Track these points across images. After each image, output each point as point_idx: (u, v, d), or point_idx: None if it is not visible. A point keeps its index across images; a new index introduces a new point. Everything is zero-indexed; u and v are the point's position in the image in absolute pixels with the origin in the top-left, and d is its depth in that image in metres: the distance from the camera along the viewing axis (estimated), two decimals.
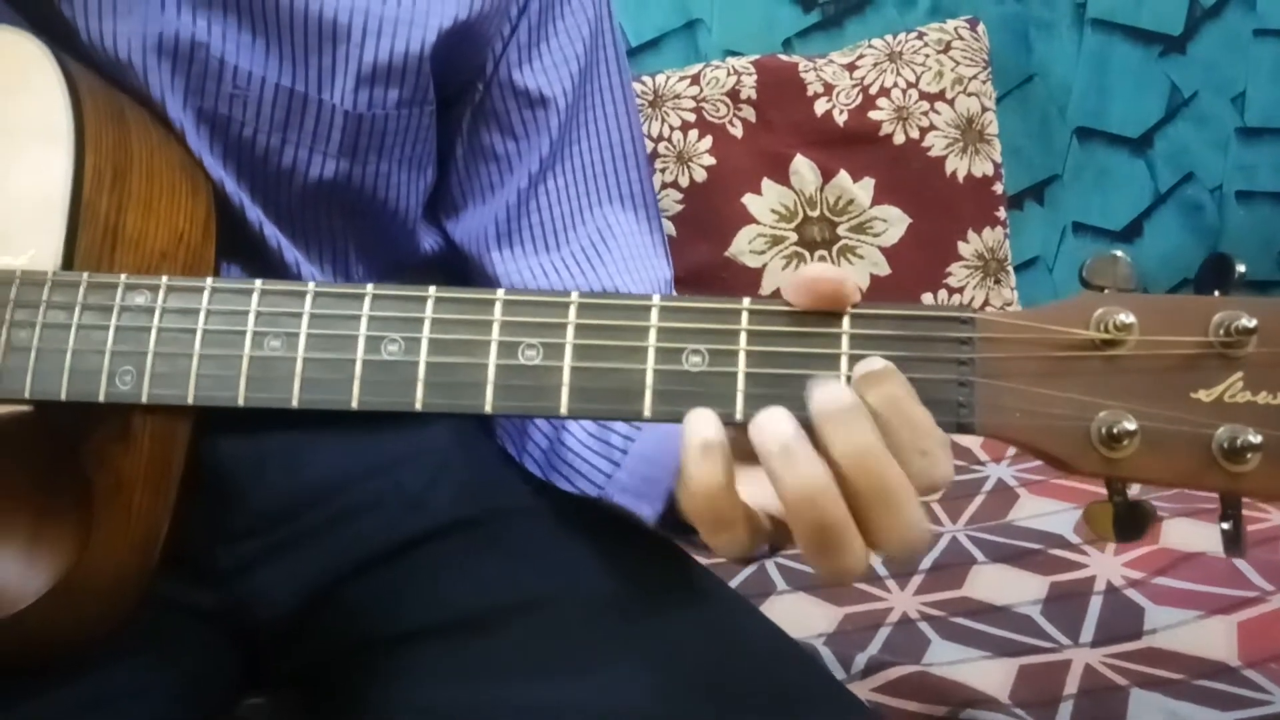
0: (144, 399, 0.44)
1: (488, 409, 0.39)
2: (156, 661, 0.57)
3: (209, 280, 0.44)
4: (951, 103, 1.26)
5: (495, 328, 0.40)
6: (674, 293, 0.71)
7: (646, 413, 0.38)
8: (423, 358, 0.40)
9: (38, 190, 0.48)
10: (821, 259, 1.22)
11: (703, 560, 0.61)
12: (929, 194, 1.25)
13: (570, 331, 0.39)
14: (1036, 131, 1.47)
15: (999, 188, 1.33)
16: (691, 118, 1.20)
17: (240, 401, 0.43)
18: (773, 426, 0.35)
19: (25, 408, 0.46)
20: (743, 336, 0.38)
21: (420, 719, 0.54)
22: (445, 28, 0.59)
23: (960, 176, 1.28)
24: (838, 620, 0.79)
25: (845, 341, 0.37)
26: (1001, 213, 1.33)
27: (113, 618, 0.53)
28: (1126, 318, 0.36)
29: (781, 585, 0.84)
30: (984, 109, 1.28)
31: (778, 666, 0.54)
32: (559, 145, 0.65)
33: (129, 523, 0.52)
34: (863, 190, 1.22)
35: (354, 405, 0.41)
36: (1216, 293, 0.36)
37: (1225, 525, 0.36)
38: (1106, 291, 0.37)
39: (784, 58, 1.26)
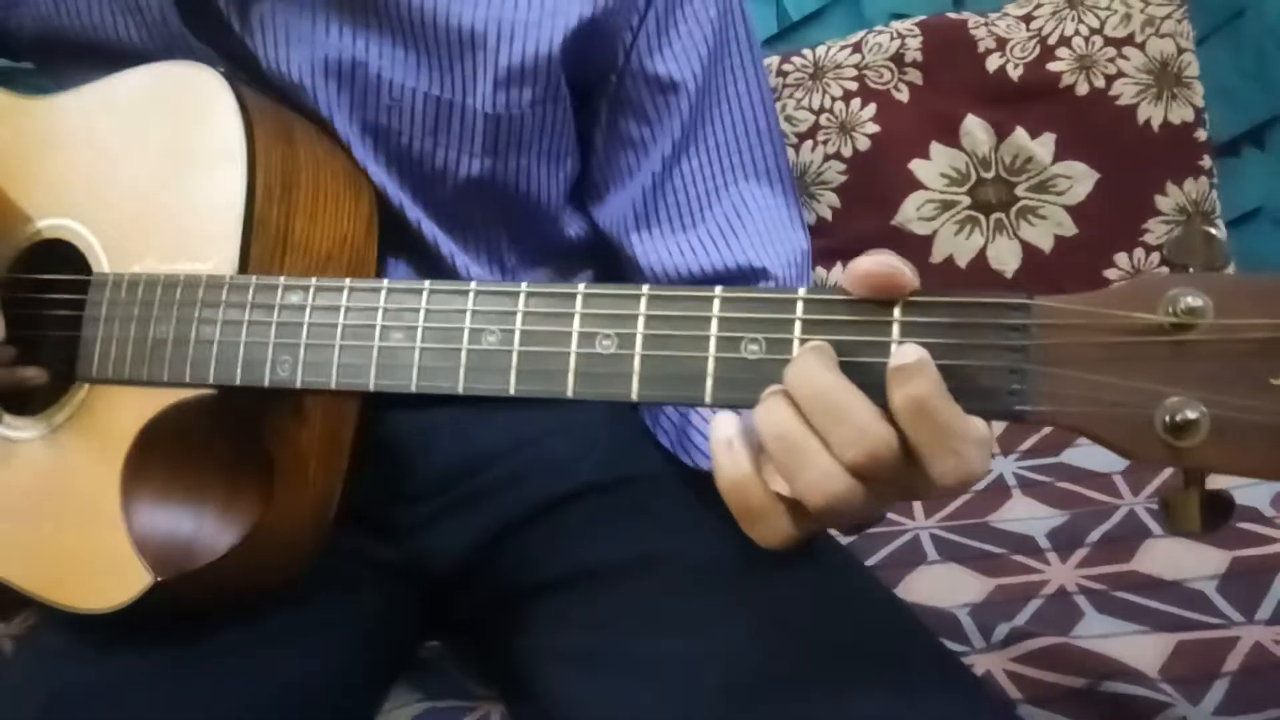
0: (299, 384, 0.49)
1: (569, 394, 0.41)
2: (346, 604, 0.63)
3: (347, 281, 0.48)
4: (1142, 46, 1.14)
5: (576, 320, 0.42)
6: (810, 263, 0.70)
7: (707, 398, 0.39)
8: (515, 347, 0.43)
9: (218, 205, 0.54)
10: (998, 222, 1.15)
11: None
12: (1119, 146, 1.14)
13: (640, 323, 0.40)
14: (1252, 70, 1.31)
15: (1202, 134, 1.19)
16: (854, 86, 1.15)
17: (371, 386, 0.47)
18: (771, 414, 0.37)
19: (211, 391, 0.52)
20: (797, 325, 0.38)
21: (553, 664, 0.58)
22: (572, 27, 0.61)
23: (1155, 125, 1.16)
24: (988, 591, 0.75)
25: (896, 330, 0.36)
26: (1206, 161, 1.20)
27: (295, 566, 0.60)
28: (1196, 300, 0.32)
29: (933, 555, 0.81)
30: (1180, 50, 1.16)
31: (883, 631, 0.53)
32: (690, 127, 0.65)
33: (306, 488, 0.58)
34: (1042, 147, 1.13)
35: (460, 390, 0.44)
36: None
37: None
38: (1191, 271, 0.34)
39: (953, 15, 1.18)
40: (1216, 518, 0.34)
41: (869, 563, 0.81)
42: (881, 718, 0.47)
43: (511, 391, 0.43)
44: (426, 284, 0.46)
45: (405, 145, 0.63)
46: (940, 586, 0.76)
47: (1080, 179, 1.14)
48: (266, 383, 0.50)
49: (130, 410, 0.54)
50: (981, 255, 1.16)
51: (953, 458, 0.35)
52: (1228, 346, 0.32)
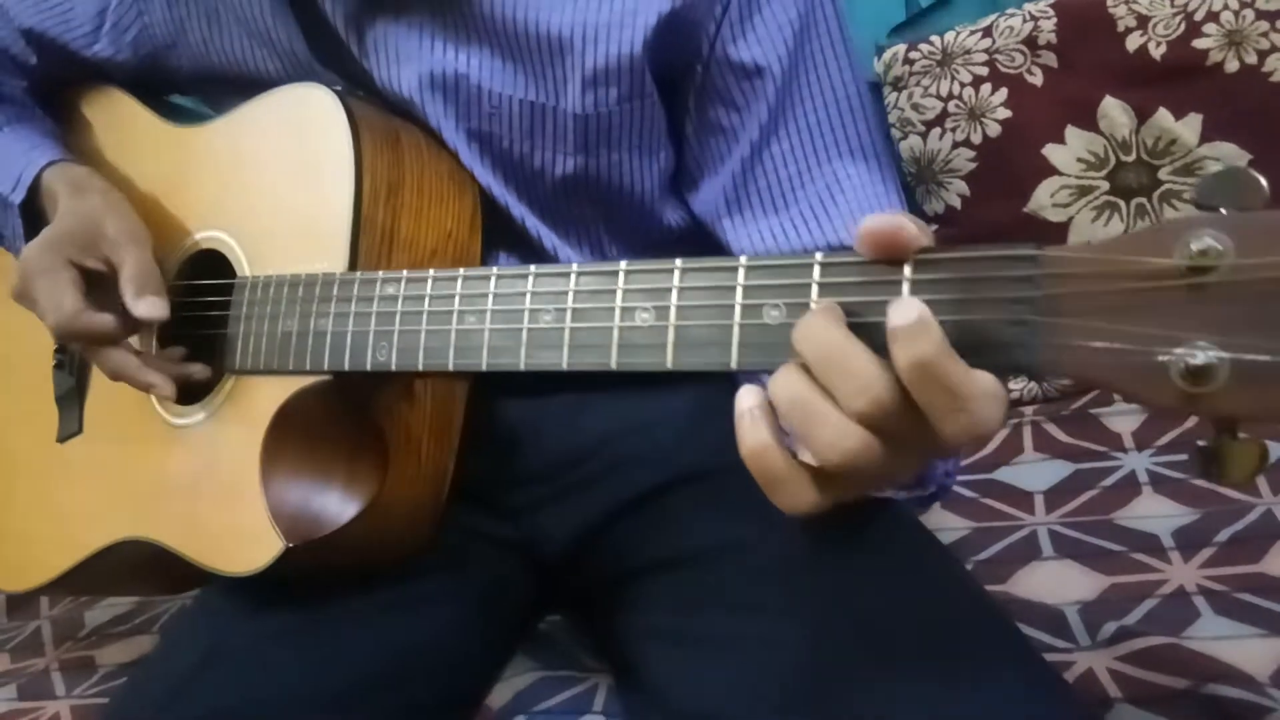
0: (393, 366, 0.53)
1: (613, 365, 0.42)
2: (466, 577, 0.66)
3: (431, 271, 0.51)
4: None
5: (618, 295, 0.43)
6: None
7: (734, 364, 0.39)
8: (567, 324, 0.44)
9: (331, 210, 0.59)
10: (1140, 207, 1.07)
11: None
12: (1273, 126, 1.03)
13: (674, 295, 0.41)
14: None
15: None
16: (984, 71, 1.10)
17: (451, 367, 0.50)
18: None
19: (326, 377, 0.57)
20: (814, 290, 0.37)
21: (650, 642, 0.59)
22: (652, 25, 0.61)
23: None
24: (1101, 589, 0.70)
25: (906, 288, 0.35)
26: None
27: (415, 536, 0.63)
28: (1214, 241, 0.30)
29: (1049, 551, 0.76)
30: None
31: (965, 624, 0.51)
32: (777, 111, 0.64)
33: (419, 465, 0.62)
34: (1187, 128, 1.04)
35: (522, 366, 0.46)
36: None
37: None
38: (1223, 212, 0.32)
39: None
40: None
41: (980, 557, 0.77)
42: (953, 708, 0.45)
43: (564, 366, 0.44)
44: (494, 270, 0.48)
45: (506, 149, 0.65)
46: (1052, 583, 0.72)
47: (1230, 161, 1.04)
48: (368, 366, 0.54)
49: (267, 397, 0.59)
50: None
51: (963, 416, 0.33)
52: (1250, 288, 0.29)
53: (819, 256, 0.37)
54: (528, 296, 0.46)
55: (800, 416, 0.36)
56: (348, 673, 0.58)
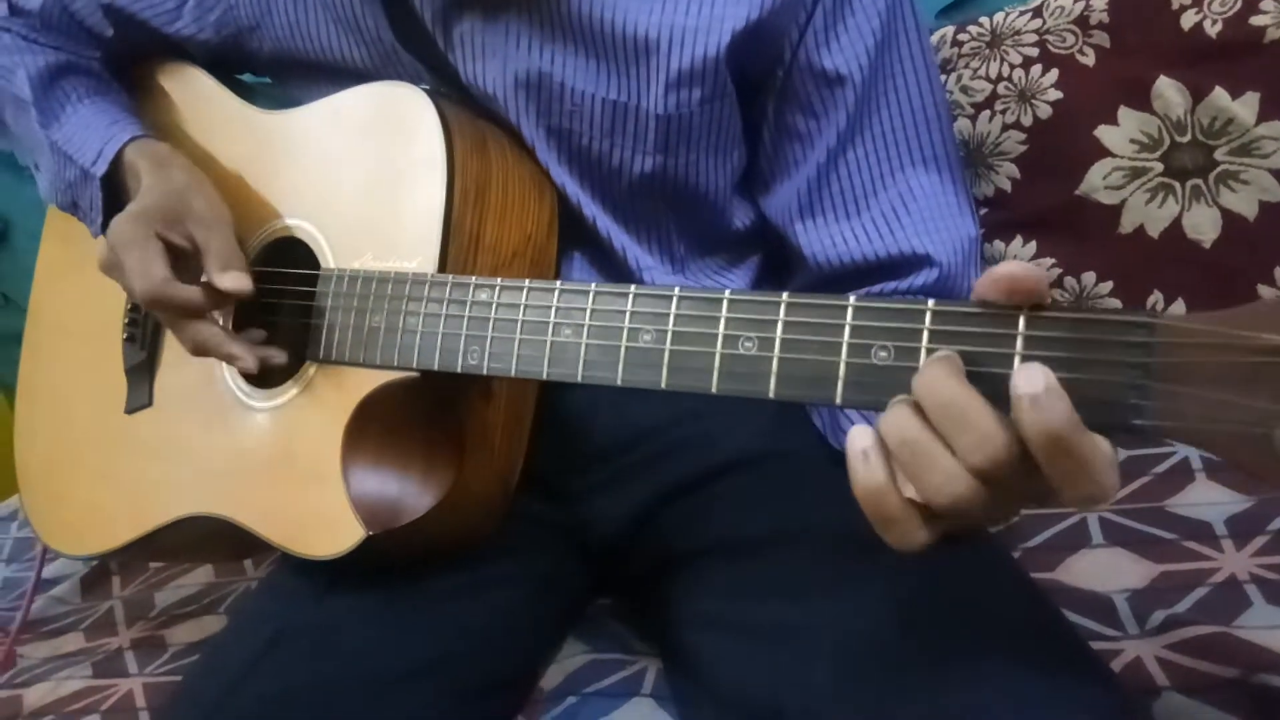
0: (485, 371, 0.55)
1: (713, 390, 0.45)
2: (520, 562, 0.69)
3: (526, 282, 0.53)
4: None
5: (721, 323, 0.45)
6: (980, 250, 0.70)
7: (838, 400, 0.41)
8: (667, 346, 0.46)
9: (422, 211, 0.60)
10: (1195, 189, 1.07)
11: None
12: None
13: (779, 328, 0.43)
14: None
15: None
16: (1034, 52, 1.09)
17: (544, 376, 0.52)
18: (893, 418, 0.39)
19: (414, 374, 0.59)
20: (925, 335, 0.39)
21: (697, 626, 0.61)
22: (738, 29, 0.62)
23: None
24: (1151, 577, 0.72)
25: (1020, 343, 0.37)
26: None
27: (483, 527, 0.66)
28: None
29: (1098, 539, 0.78)
30: None
31: (1015, 617, 0.53)
32: (855, 118, 0.65)
33: (492, 458, 0.65)
34: (1244, 108, 1.04)
35: (619, 382, 0.48)
36: None
37: None
38: None
39: None
40: None
41: (1029, 544, 0.80)
42: (1002, 695, 0.47)
43: (663, 386, 0.46)
44: (593, 286, 0.50)
45: (584, 146, 0.66)
46: (1101, 571, 0.73)
47: None
48: (459, 369, 0.56)
49: (349, 388, 0.62)
50: (1176, 225, 1.08)
51: (1089, 484, 0.36)
52: None
53: (931, 303, 0.39)
54: (627, 315, 0.48)
55: (910, 457, 0.38)
56: (412, 654, 0.61)
